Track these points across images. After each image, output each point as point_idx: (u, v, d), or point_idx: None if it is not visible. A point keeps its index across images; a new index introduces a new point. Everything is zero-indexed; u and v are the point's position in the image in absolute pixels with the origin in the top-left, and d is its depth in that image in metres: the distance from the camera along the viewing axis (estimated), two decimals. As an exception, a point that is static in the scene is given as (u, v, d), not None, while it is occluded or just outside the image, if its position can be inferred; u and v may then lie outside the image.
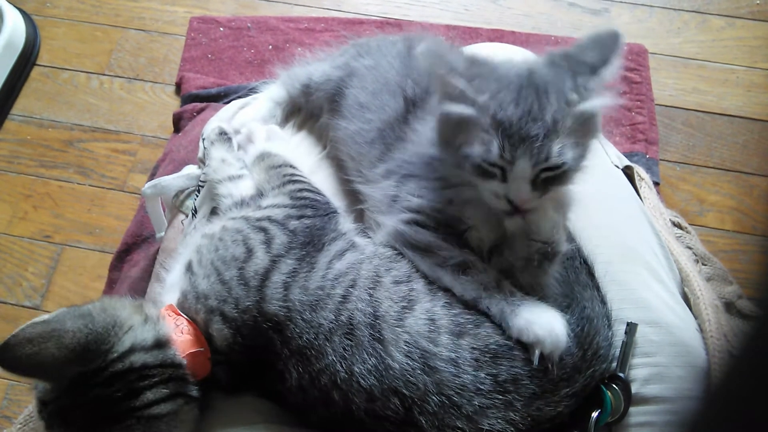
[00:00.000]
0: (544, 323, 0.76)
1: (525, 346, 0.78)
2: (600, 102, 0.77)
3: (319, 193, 0.97)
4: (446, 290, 0.83)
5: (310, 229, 0.87)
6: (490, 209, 0.82)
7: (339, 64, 1.08)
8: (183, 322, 0.80)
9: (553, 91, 0.74)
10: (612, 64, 0.76)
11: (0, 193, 1.82)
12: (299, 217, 0.88)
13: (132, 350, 0.73)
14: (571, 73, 0.76)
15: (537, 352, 0.76)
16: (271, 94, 1.17)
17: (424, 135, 0.90)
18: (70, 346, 0.69)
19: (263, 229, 0.85)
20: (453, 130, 0.79)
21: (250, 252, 0.82)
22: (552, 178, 0.77)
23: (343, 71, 1.06)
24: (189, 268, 0.84)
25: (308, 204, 0.92)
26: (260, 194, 0.97)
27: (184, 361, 0.77)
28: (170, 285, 0.87)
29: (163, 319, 0.79)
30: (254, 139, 1.07)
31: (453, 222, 0.85)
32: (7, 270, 1.72)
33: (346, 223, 0.94)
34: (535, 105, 0.73)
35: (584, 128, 0.77)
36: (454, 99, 0.77)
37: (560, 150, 0.74)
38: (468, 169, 0.78)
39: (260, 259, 0.81)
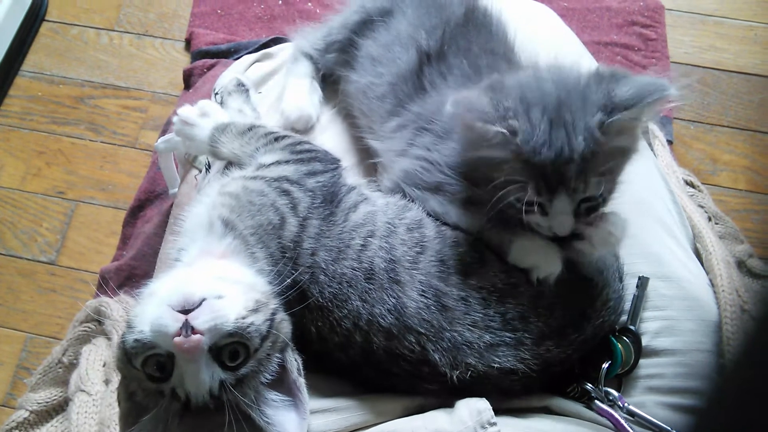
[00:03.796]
0: (539, 249, 0.80)
1: (528, 281, 0.81)
2: (627, 141, 0.75)
3: (311, 143, 0.97)
4: (453, 230, 0.85)
5: (326, 187, 0.88)
6: None
7: (355, 9, 1.07)
8: None
9: (582, 127, 0.71)
10: (639, 107, 0.71)
11: (13, 150, 1.83)
12: (311, 174, 0.89)
13: None
14: (601, 106, 0.73)
15: (534, 276, 0.80)
16: (302, 71, 1.14)
17: (444, 100, 0.88)
18: None
19: (285, 192, 0.85)
20: (482, 168, 0.79)
21: (282, 218, 0.82)
22: (592, 206, 0.78)
23: (359, 15, 1.05)
24: (227, 223, 0.82)
25: (312, 157, 0.92)
26: (249, 157, 0.94)
27: None
28: (192, 237, 0.85)
29: None
30: (209, 112, 1.03)
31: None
32: (22, 225, 1.74)
33: (351, 174, 0.95)
34: (566, 146, 0.71)
35: (619, 154, 0.76)
36: (488, 144, 0.75)
37: (597, 182, 0.74)
38: (505, 205, 0.77)
39: (292, 224, 0.82)
